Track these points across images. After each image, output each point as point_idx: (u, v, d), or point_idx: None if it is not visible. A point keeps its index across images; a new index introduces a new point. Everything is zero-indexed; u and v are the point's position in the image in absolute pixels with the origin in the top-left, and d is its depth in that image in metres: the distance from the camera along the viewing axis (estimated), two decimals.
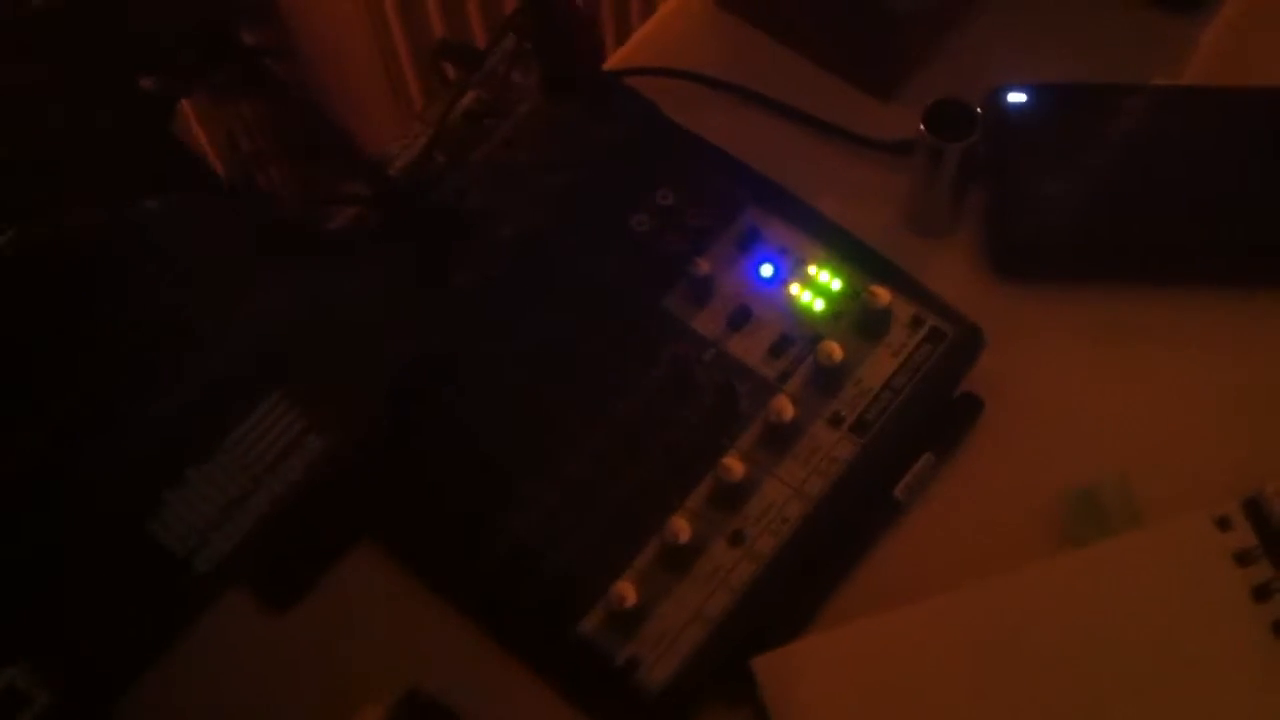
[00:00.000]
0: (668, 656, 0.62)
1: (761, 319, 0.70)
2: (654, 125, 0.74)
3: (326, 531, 0.65)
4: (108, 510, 0.45)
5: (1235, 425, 0.70)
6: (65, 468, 0.45)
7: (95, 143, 0.58)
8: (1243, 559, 0.65)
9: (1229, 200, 0.74)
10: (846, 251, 0.71)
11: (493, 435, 0.67)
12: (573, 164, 0.72)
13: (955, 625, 0.64)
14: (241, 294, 0.50)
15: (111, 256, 0.47)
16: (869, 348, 0.68)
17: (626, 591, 0.62)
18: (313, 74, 1.17)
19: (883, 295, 0.67)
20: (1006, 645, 0.63)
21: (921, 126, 0.70)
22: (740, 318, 0.70)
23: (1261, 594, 0.63)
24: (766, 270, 0.71)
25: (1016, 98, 0.76)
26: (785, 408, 0.66)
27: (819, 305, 0.70)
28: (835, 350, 0.67)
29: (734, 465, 0.65)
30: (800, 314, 0.70)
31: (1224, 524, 0.66)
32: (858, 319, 0.69)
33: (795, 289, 0.70)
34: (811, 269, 0.71)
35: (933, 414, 0.68)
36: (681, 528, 0.63)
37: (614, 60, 0.85)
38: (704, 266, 0.70)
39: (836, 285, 0.70)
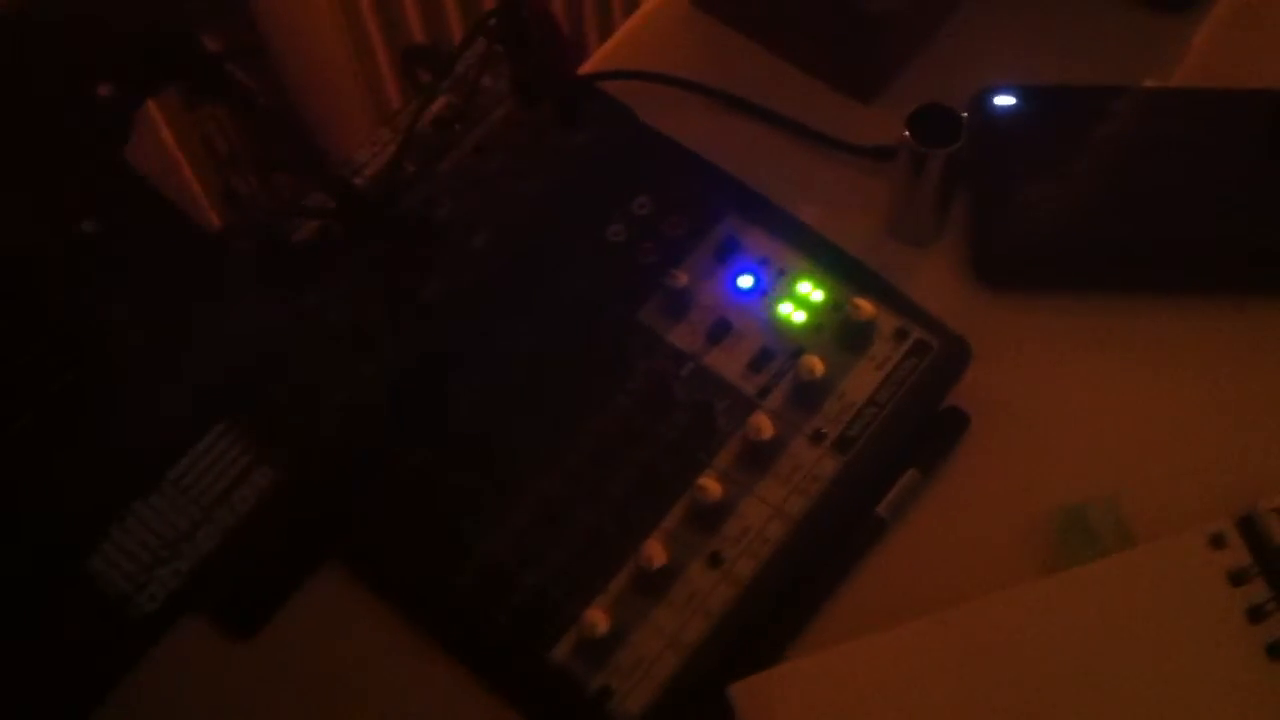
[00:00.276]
0: (642, 685, 0.60)
1: (741, 332, 0.68)
2: (629, 131, 0.73)
3: (288, 556, 0.64)
4: (44, 548, 0.43)
5: (1230, 439, 0.68)
6: None
7: (43, 157, 0.56)
8: (1237, 578, 0.63)
9: (1223, 206, 0.72)
10: (828, 262, 0.69)
11: (460, 453, 0.66)
12: (545, 172, 0.70)
13: (941, 649, 0.62)
14: (189, 321, 0.48)
15: (49, 278, 0.45)
16: (852, 361, 0.66)
17: (598, 619, 0.60)
18: (287, 78, 1.15)
19: (866, 307, 0.66)
20: (994, 669, 0.61)
21: (905, 132, 0.68)
22: (719, 331, 0.68)
23: (1256, 615, 0.61)
24: (746, 281, 0.69)
25: (1003, 100, 0.74)
26: (764, 425, 0.64)
27: (800, 317, 0.68)
28: (816, 364, 0.65)
29: (711, 485, 0.63)
30: (781, 327, 0.68)
31: (1218, 542, 0.64)
32: (840, 332, 0.67)
33: (775, 301, 0.69)
34: (792, 280, 0.69)
35: (917, 430, 0.66)
36: (656, 552, 0.61)
37: (589, 64, 0.83)
38: (681, 278, 0.68)
39: (818, 297, 0.68)
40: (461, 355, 0.67)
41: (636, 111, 0.73)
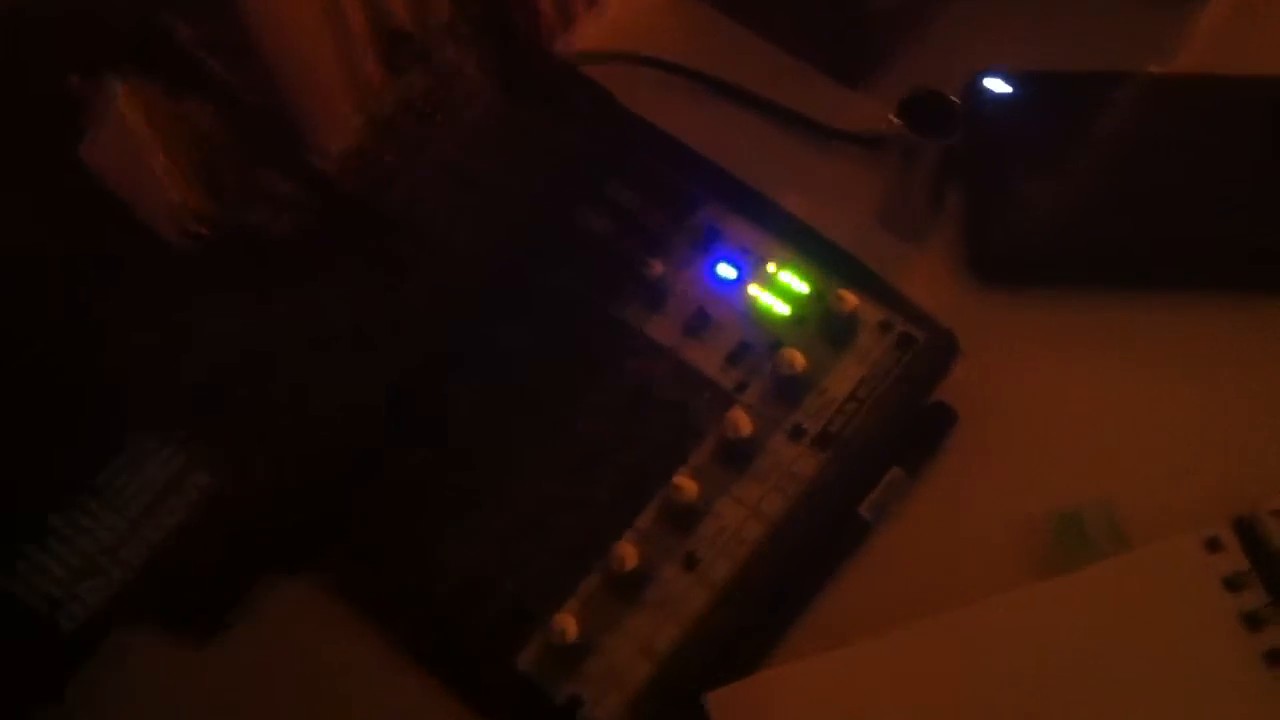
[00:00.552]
0: (613, 694, 0.58)
1: (719, 324, 0.66)
2: (609, 116, 0.70)
3: (240, 557, 0.61)
4: None
5: (1227, 440, 0.65)
6: None
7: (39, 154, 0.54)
8: (1233, 584, 0.60)
9: (1226, 200, 0.69)
10: (811, 252, 0.67)
11: (424, 452, 0.64)
12: (525, 160, 0.68)
13: (928, 657, 0.60)
14: (120, 321, 0.46)
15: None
16: (834, 355, 0.64)
17: (567, 624, 0.58)
18: (266, 67, 1.12)
19: (849, 299, 0.63)
20: (984, 678, 0.59)
21: (895, 119, 0.65)
22: (697, 323, 0.66)
23: (1253, 622, 0.59)
24: (725, 271, 0.67)
25: (998, 86, 0.72)
26: (742, 422, 0.61)
27: (782, 309, 0.66)
28: (797, 358, 0.62)
29: (686, 484, 0.60)
30: (761, 319, 0.65)
31: (1213, 545, 0.61)
32: (822, 324, 0.65)
33: (756, 291, 0.66)
34: (773, 270, 0.66)
35: (903, 426, 0.64)
36: (628, 553, 0.59)
37: (568, 45, 0.80)
38: (658, 268, 0.65)
39: (800, 288, 0.66)
40: (435, 352, 0.65)
41: (618, 96, 0.71)
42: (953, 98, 0.65)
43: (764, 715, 0.59)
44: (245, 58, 1.00)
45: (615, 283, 0.66)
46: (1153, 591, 0.61)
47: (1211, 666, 0.59)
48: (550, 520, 0.62)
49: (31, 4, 0.53)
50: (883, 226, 0.72)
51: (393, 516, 0.62)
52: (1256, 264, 0.69)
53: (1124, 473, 0.64)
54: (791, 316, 0.65)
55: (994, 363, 0.66)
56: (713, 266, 0.66)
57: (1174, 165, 0.70)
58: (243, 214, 0.67)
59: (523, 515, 0.62)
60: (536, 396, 0.65)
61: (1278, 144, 0.70)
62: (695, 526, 0.60)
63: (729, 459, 0.62)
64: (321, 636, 0.62)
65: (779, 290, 0.66)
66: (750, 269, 0.66)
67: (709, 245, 0.67)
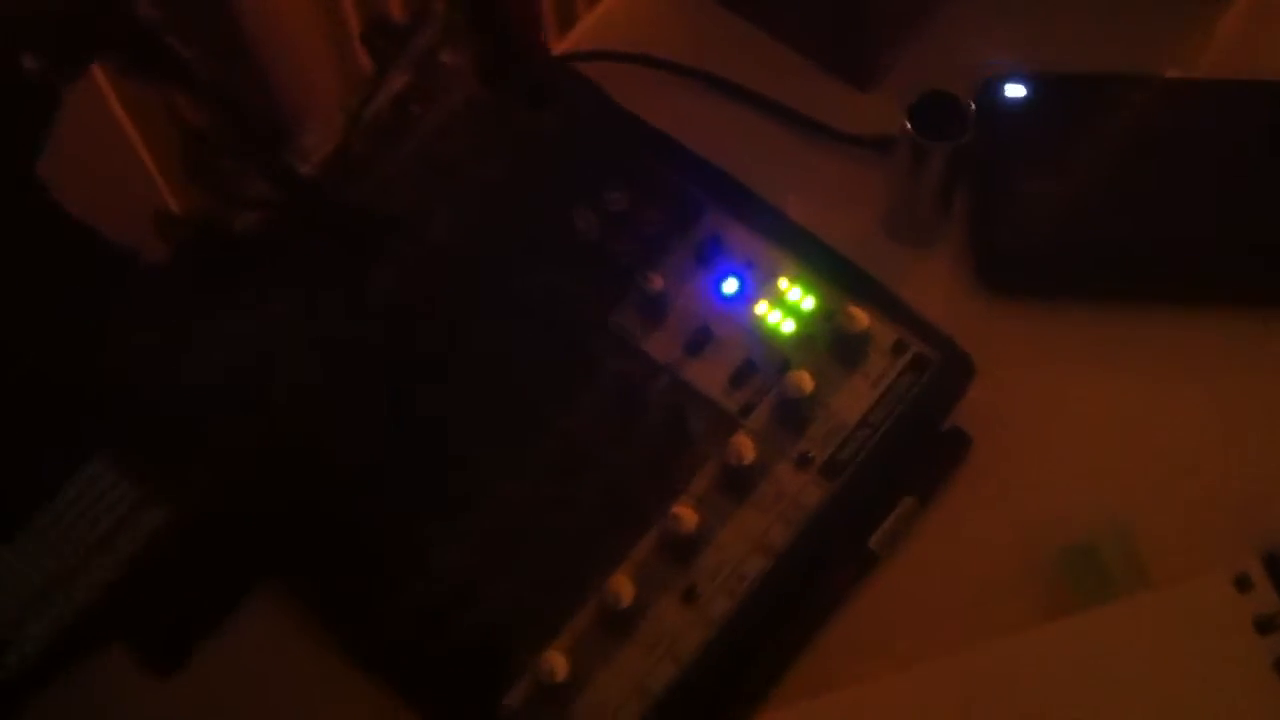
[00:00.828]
0: None
1: (723, 342, 0.62)
2: (604, 115, 0.67)
3: (211, 586, 0.59)
4: None
5: (1255, 464, 0.62)
6: None
7: None
8: (1264, 626, 0.57)
9: (1251, 208, 0.66)
10: (820, 264, 0.63)
11: (408, 473, 0.60)
12: (510, 159, 0.65)
13: (937, 700, 0.57)
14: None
15: None
16: (844, 377, 0.61)
17: (557, 662, 0.55)
18: (251, 49, 1.08)
19: (861, 317, 0.60)
20: None
21: (905, 122, 0.62)
22: (699, 340, 0.62)
23: None
24: (730, 286, 0.63)
25: (1012, 89, 0.69)
26: (745, 448, 0.58)
27: (788, 327, 0.62)
28: (805, 381, 0.59)
29: (686, 514, 0.57)
30: (767, 337, 0.62)
31: (1243, 584, 0.58)
32: (832, 343, 0.61)
33: (762, 308, 0.63)
34: (781, 284, 0.63)
35: (914, 453, 0.61)
36: (624, 588, 0.56)
37: (563, 43, 0.77)
38: (657, 280, 0.62)
39: (808, 304, 0.63)
40: (412, 359, 0.62)
41: (613, 95, 0.68)
42: (964, 100, 0.63)
43: None
44: (230, 48, 0.96)
45: (611, 295, 0.63)
46: (1178, 633, 0.58)
47: (1242, 715, 0.56)
48: (538, 548, 0.58)
49: None
50: (888, 233, 0.69)
51: (367, 541, 0.59)
52: None
53: (1144, 499, 0.61)
54: (799, 334, 0.62)
55: (1005, 379, 0.63)
56: (717, 280, 0.63)
57: (1199, 170, 0.67)
58: (213, 213, 0.63)
59: (508, 543, 0.59)
60: (525, 411, 0.61)
61: None
62: (694, 558, 0.57)
63: (731, 487, 0.59)
64: (293, 664, 0.60)
65: (786, 306, 0.63)
66: (756, 283, 0.63)
67: (712, 256, 0.63)
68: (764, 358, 0.61)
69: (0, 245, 0.54)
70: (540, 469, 0.60)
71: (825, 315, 0.62)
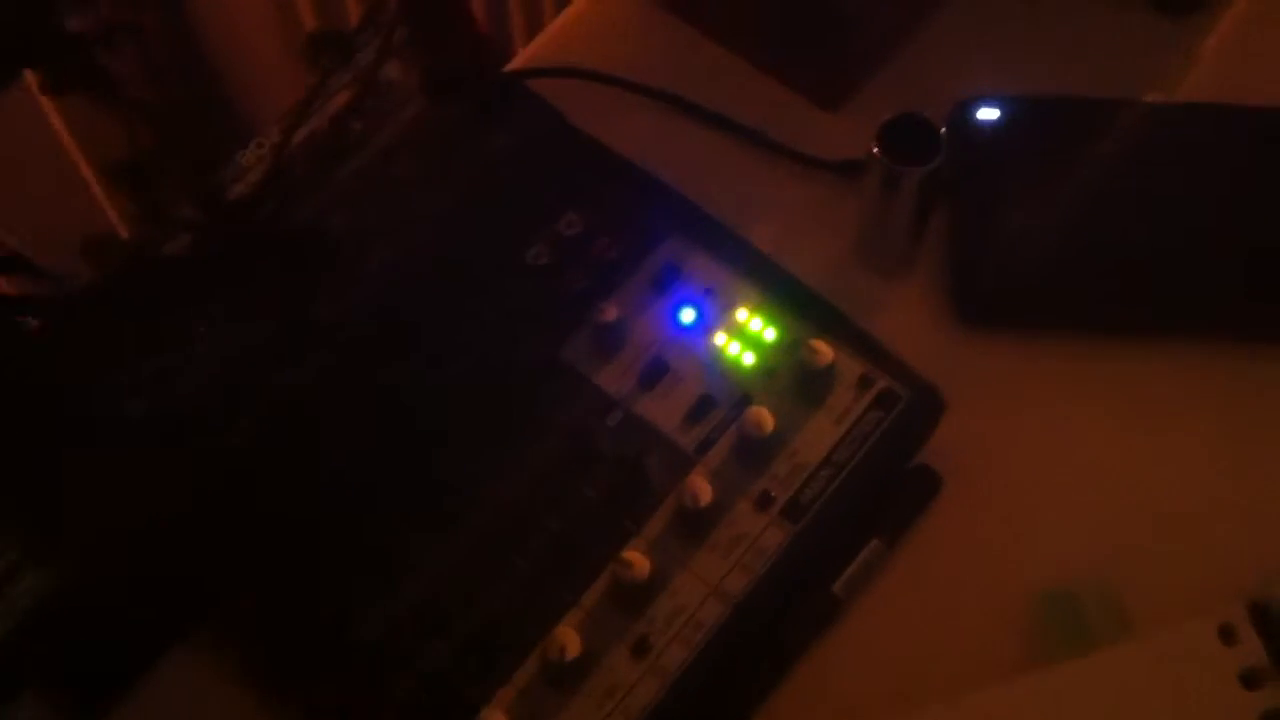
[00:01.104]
0: None
1: (679, 375, 0.59)
2: (557, 135, 0.64)
3: (132, 634, 0.55)
4: None
5: (1242, 509, 0.60)
6: None
7: None
8: (1250, 680, 0.55)
9: (1238, 236, 0.64)
10: (783, 294, 0.61)
11: (341, 513, 0.57)
12: (457, 181, 0.62)
13: None
14: None
15: None
16: (806, 413, 0.58)
17: (497, 719, 0.50)
18: (210, 58, 1.06)
19: (825, 351, 0.57)
20: None
21: (875, 147, 0.60)
22: (654, 373, 0.59)
23: None
24: (687, 315, 0.60)
25: (986, 113, 0.68)
26: (701, 488, 0.55)
27: (749, 359, 0.59)
28: (765, 418, 0.56)
29: (637, 559, 0.54)
30: (726, 370, 0.59)
31: (1228, 635, 0.56)
32: (794, 378, 0.58)
33: (721, 339, 0.60)
34: (741, 315, 0.60)
35: (881, 494, 0.59)
36: (570, 640, 0.53)
37: (520, 59, 0.75)
38: (611, 310, 0.59)
39: (770, 335, 0.60)
40: (346, 396, 0.58)
41: (569, 114, 0.65)
42: (936, 123, 0.61)
43: None
44: (184, 60, 0.93)
45: (560, 324, 0.60)
46: (1159, 687, 0.55)
47: None
48: (477, 597, 0.55)
49: None
50: (858, 261, 0.67)
51: (290, 580, 0.56)
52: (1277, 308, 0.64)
53: (1125, 543, 0.59)
54: (760, 367, 0.59)
55: (978, 415, 0.60)
56: (673, 310, 0.60)
57: (1180, 198, 0.65)
58: (142, 237, 0.60)
59: (441, 587, 0.55)
60: (468, 449, 0.58)
61: None
62: (646, 607, 0.54)
63: (686, 529, 0.56)
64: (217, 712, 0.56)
65: (746, 338, 0.60)
66: (715, 313, 0.60)
67: (668, 285, 0.61)
68: (723, 392, 0.59)
69: None
70: (480, 515, 0.57)
71: (788, 347, 0.59)
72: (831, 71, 0.71)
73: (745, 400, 0.58)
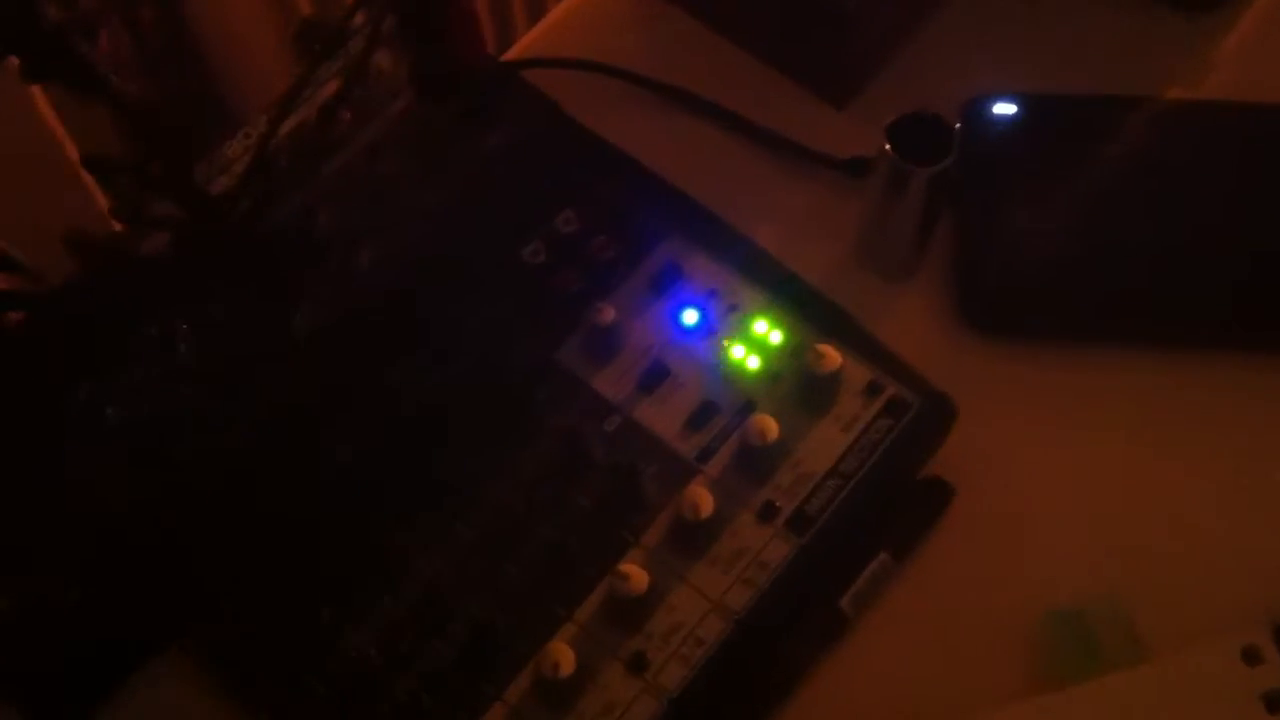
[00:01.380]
0: None
1: (680, 380, 0.58)
2: (553, 129, 0.63)
3: (104, 648, 0.54)
4: None
5: (1265, 523, 0.58)
6: None
7: None
8: (1273, 702, 0.52)
9: (1260, 242, 0.62)
10: (788, 297, 0.59)
11: (325, 522, 0.55)
12: (449, 176, 0.60)
13: None
14: None
15: None
16: (813, 420, 0.56)
17: None
18: (205, 50, 1.04)
19: (831, 356, 0.56)
20: None
21: (885, 144, 0.59)
22: (653, 377, 0.58)
23: None
24: (689, 318, 0.59)
25: (999, 110, 0.66)
26: (702, 499, 0.53)
27: (752, 364, 0.58)
28: (769, 426, 0.55)
29: (634, 572, 0.52)
30: (729, 375, 0.58)
31: (1251, 657, 0.54)
32: (800, 384, 0.57)
33: (724, 343, 0.58)
34: (745, 318, 0.59)
35: (890, 505, 0.57)
36: (564, 656, 0.51)
37: (517, 49, 0.73)
38: (608, 312, 0.57)
39: (775, 339, 0.58)
40: (335, 400, 0.56)
41: (566, 107, 0.64)
42: (948, 120, 0.59)
43: None
44: (176, 46, 0.91)
45: (557, 328, 0.59)
46: (1178, 711, 0.53)
47: None
48: (464, 607, 0.53)
49: None
50: (862, 262, 0.66)
51: (274, 590, 0.54)
52: None
53: (1140, 560, 0.57)
54: (763, 372, 0.58)
55: (990, 424, 0.59)
56: (674, 312, 0.59)
57: (1199, 201, 0.64)
58: (119, 233, 0.58)
59: (431, 598, 0.53)
60: (459, 455, 0.56)
61: None
62: (644, 622, 0.53)
63: (686, 541, 0.54)
64: None
65: (750, 342, 0.58)
66: (717, 316, 0.59)
67: (668, 286, 0.59)
68: (725, 398, 0.57)
69: None
70: (470, 525, 0.55)
71: (793, 352, 0.58)
72: (834, 67, 0.70)
73: (748, 407, 0.57)
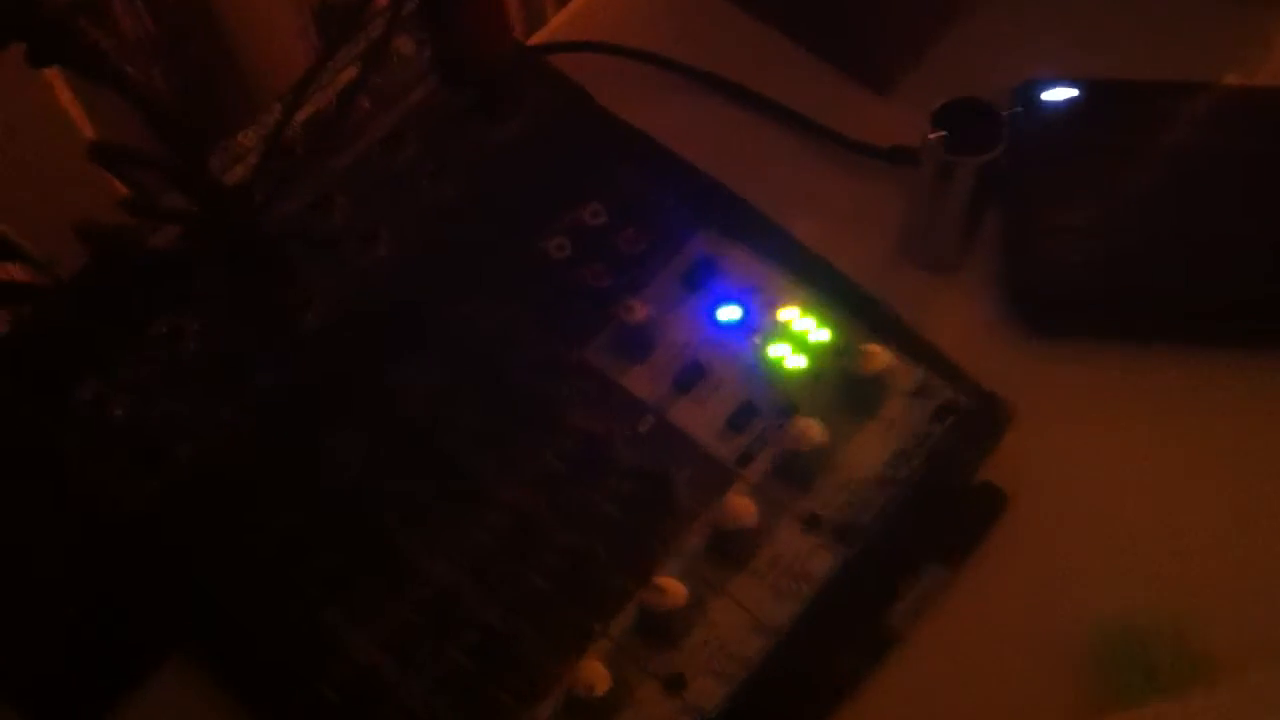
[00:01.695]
0: None
1: (717, 380, 0.57)
2: (580, 116, 0.62)
3: (112, 658, 0.54)
4: None
5: None
6: None
7: None
8: None
9: None
10: (831, 293, 0.59)
11: (335, 523, 0.54)
12: (469, 166, 0.60)
13: None
14: None
15: None
16: (857, 424, 0.55)
17: None
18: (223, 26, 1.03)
19: (879, 357, 0.55)
20: None
21: (930, 133, 0.58)
22: (689, 377, 0.57)
23: None
24: (727, 315, 0.58)
25: (1049, 96, 0.65)
26: (742, 507, 0.52)
27: (795, 364, 0.57)
28: (813, 430, 0.54)
29: (670, 585, 0.51)
30: (770, 376, 0.57)
31: None
32: (844, 385, 0.56)
33: (764, 341, 0.58)
34: (785, 315, 0.58)
35: (941, 513, 0.55)
36: (597, 674, 0.50)
37: (544, 33, 0.73)
38: (639, 309, 0.56)
39: (818, 338, 0.57)
40: (348, 397, 0.56)
41: (594, 94, 0.63)
42: (997, 107, 0.59)
43: None
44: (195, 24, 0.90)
45: (586, 327, 0.58)
46: None
47: None
48: (484, 621, 0.52)
49: None
50: (904, 256, 0.65)
51: (281, 593, 0.53)
52: None
53: (1202, 573, 0.56)
54: (807, 372, 0.57)
55: (1045, 427, 0.58)
56: (709, 308, 0.58)
57: (1263, 195, 0.62)
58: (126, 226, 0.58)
59: (446, 609, 0.52)
60: (478, 457, 0.55)
61: None
62: (681, 639, 0.51)
63: (725, 552, 0.53)
64: None
65: (792, 340, 0.57)
66: (756, 313, 0.58)
67: (703, 281, 0.59)
68: (766, 399, 0.56)
69: None
70: (492, 535, 0.54)
71: (837, 352, 0.57)
72: (875, 50, 0.70)
73: (790, 409, 0.56)
